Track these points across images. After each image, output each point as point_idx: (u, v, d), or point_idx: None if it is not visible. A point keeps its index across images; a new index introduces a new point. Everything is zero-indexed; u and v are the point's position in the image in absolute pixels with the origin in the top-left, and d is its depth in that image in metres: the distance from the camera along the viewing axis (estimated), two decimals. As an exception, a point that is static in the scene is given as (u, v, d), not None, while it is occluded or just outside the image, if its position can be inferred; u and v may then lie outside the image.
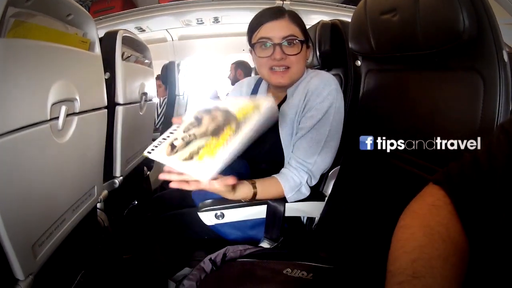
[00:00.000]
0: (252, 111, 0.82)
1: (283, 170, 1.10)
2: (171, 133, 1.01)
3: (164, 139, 1.00)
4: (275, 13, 1.08)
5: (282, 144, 1.12)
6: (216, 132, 0.84)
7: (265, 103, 0.82)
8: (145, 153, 0.98)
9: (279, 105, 1.16)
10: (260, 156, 1.16)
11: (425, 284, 0.44)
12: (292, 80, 1.12)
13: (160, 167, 1.03)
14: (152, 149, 0.98)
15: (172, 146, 0.91)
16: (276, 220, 1.11)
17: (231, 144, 0.78)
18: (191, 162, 0.80)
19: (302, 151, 1.07)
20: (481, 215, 0.51)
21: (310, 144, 1.06)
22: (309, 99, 1.07)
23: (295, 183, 1.07)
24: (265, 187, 1.06)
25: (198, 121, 0.95)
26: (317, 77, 1.09)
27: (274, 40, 1.06)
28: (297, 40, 1.07)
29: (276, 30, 1.06)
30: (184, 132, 0.95)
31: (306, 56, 1.14)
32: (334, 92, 1.05)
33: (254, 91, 1.31)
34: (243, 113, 0.84)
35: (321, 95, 1.05)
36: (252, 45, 1.13)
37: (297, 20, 1.10)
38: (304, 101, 1.08)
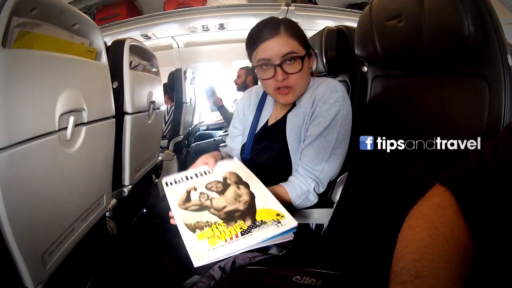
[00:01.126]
0: (272, 222, 0.79)
1: (290, 178, 1.09)
2: (196, 175, 1.04)
3: (187, 178, 1.03)
4: (270, 30, 1.04)
5: (290, 152, 1.12)
6: (228, 218, 0.82)
7: (290, 222, 0.78)
8: (163, 182, 1.01)
9: (287, 113, 1.16)
10: (268, 164, 1.16)
11: (427, 284, 0.44)
12: (297, 97, 1.11)
13: (168, 174, 1.04)
14: (171, 182, 1.01)
15: (187, 198, 0.92)
16: (285, 227, 1.10)
17: (233, 246, 0.74)
18: (191, 235, 0.78)
19: (309, 159, 1.06)
20: (485, 215, 0.52)
21: (318, 151, 1.05)
22: (316, 106, 1.06)
23: (302, 190, 1.06)
24: None
25: (224, 185, 0.96)
26: (323, 84, 1.08)
27: (274, 61, 1.04)
28: (297, 57, 1.04)
29: (274, 49, 1.03)
30: (206, 186, 0.97)
31: (309, 67, 1.12)
32: (341, 98, 1.05)
33: (262, 100, 1.31)
34: (263, 217, 0.81)
35: (328, 102, 1.04)
36: (253, 66, 1.12)
37: (295, 33, 1.06)
38: (311, 108, 1.07)
